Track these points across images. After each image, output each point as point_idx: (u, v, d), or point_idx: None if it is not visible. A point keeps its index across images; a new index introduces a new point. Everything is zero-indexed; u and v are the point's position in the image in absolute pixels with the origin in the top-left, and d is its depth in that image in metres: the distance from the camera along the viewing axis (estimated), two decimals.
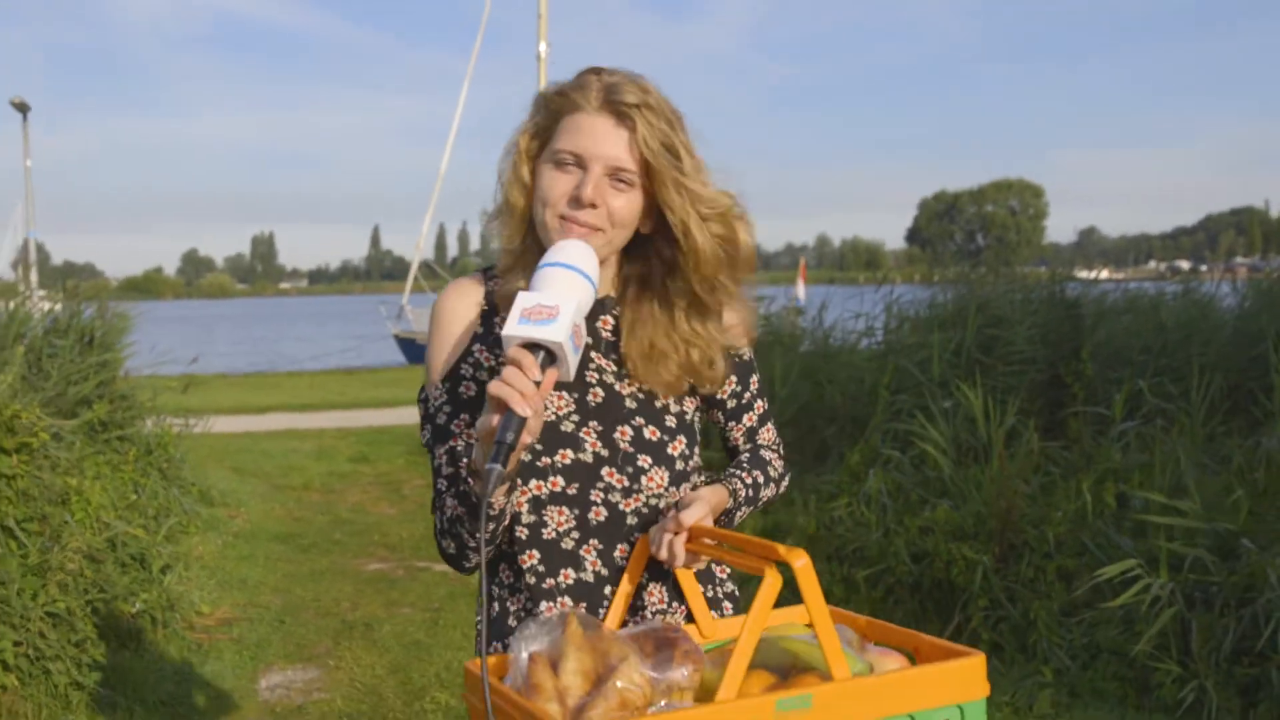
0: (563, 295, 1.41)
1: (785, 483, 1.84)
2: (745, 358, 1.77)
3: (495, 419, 1.37)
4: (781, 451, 1.86)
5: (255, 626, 5.21)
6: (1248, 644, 3.89)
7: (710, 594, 1.74)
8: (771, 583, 1.30)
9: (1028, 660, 4.40)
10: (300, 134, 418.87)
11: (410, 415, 13.52)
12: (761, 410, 1.82)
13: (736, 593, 1.79)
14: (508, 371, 1.36)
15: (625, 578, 1.61)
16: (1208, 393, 5.63)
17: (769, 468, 1.78)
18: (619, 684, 1.31)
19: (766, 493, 1.76)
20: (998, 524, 4.92)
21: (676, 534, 1.53)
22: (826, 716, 1.26)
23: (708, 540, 1.52)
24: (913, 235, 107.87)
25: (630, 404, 1.66)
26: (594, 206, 1.55)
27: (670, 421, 1.68)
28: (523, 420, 1.35)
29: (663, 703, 1.34)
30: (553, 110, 1.59)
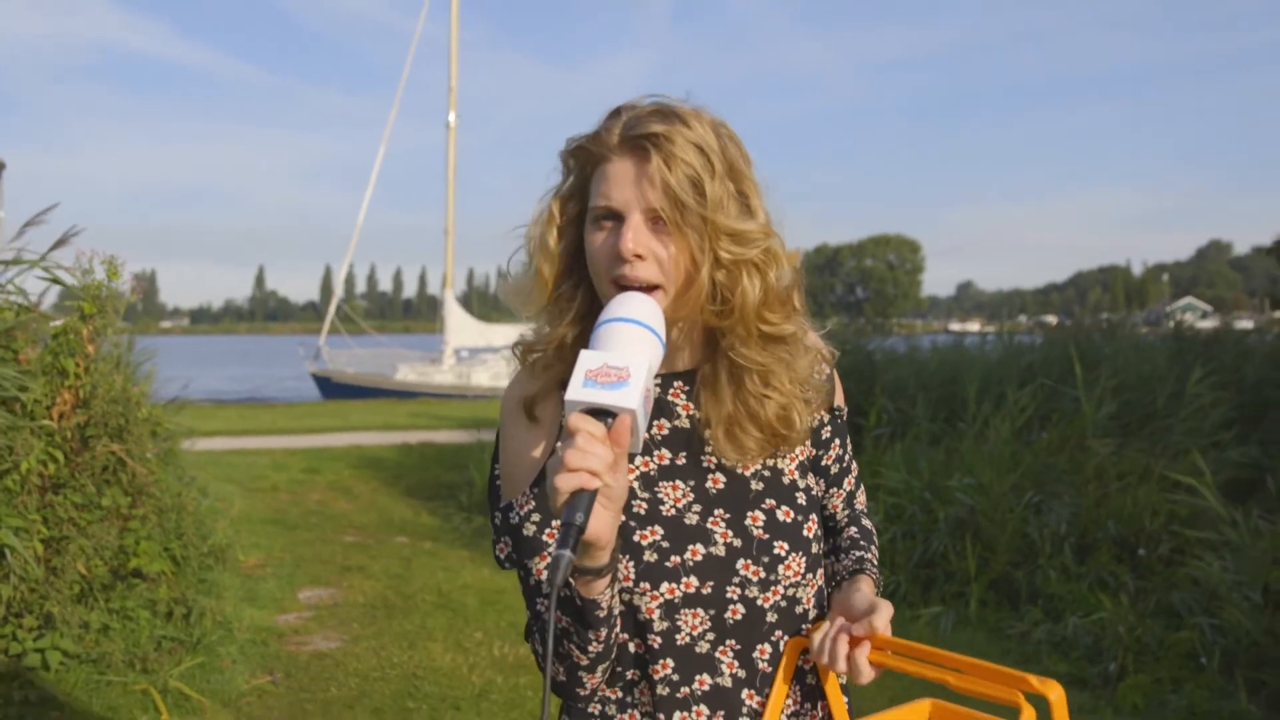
0: (632, 354, 1.23)
1: None
2: (843, 419, 1.62)
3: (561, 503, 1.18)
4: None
5: (280, 568, 7.39)
6: (928, 556, 6.41)
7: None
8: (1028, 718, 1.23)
9: None
10: (182, 170, 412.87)
11: (343, 439, 15.59)
12: (856, 472, 1.67)
13: (846, 684, 1.57)
14: (571, 454, 1.17)
15: (779, 678, 1.45)
16: (933, 411, 8.25)
17: (874, 539, 1.66)
18: None
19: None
20: None
21: (858, 643, 1.36)
22: None
23: (902, 653, 1.34)
24: None
25: (756, 485, 1.47)
26: (640, 258, 1.35)
27: (801, 499, 1.50)
28: (593, 494, 1.18)
29: None
30: (581, 167, 1.43)
